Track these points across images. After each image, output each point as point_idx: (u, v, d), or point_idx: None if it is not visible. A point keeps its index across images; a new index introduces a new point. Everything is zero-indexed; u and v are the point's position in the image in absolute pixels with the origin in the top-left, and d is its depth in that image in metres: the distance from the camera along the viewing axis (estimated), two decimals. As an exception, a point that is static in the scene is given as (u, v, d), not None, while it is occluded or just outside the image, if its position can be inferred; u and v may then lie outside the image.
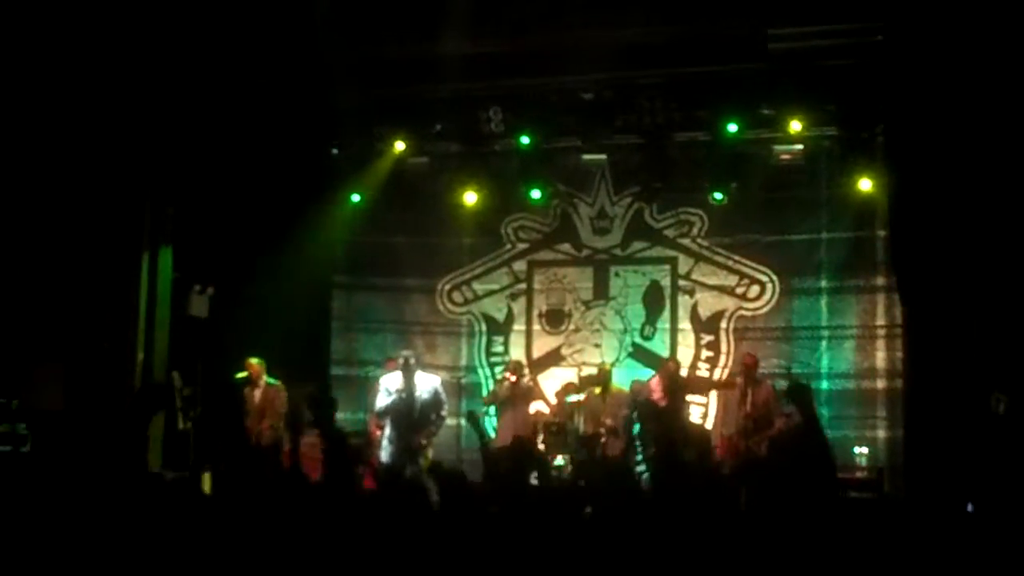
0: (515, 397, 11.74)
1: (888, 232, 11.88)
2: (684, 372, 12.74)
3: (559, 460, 11.45)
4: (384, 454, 10.97)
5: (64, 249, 10.86)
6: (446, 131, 12.56)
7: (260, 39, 10.89)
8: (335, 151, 12.67)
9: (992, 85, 9.69)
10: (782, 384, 11.63)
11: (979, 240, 9.95)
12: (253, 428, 11.27)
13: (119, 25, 10.27)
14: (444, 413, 11.16)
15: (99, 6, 10.09)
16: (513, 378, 11.77)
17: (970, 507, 8.31)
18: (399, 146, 12.39)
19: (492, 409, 12.36)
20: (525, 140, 12.24)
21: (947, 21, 9.85)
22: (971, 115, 9.83)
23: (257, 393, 11.41)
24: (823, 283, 12.54)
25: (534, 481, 9.43)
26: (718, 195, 12.30)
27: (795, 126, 11.60)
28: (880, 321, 12.29)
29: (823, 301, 12.52)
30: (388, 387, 10.97)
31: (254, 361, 11.46)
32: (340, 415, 12.45)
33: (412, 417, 10.87)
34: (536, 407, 12.50)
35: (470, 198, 12.87)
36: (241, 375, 11.41)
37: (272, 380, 11.47)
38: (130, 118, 10.93)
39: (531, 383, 12.08)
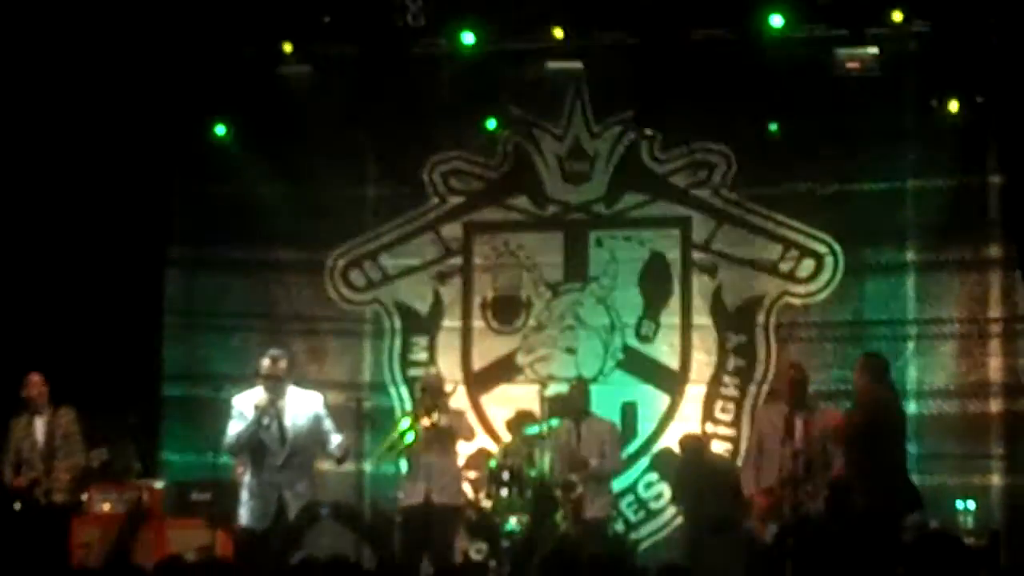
0: (431, 440, 9.80)
1: (1005, 178, 10.45)
2: (702, 390, 11.06)
3: (511, 523, 9.81)
4: (244, 512, 9.00)
5: None
6: (338, 26, 10.62)
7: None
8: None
9: None
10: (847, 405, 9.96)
11: None
12: (38, 478, 9.77)
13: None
14: (334, 450, 9.34)
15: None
16: (428, 416, 9.87)
17: None
18: (286, 48, 10.63)
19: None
20: (468, 39, 10.44)
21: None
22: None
23: (40, 424, 10.00)
24: (910, 256, 10.84)
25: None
26: (773, 126, 10.60)
27: (868, 19, 10.05)
28: (994, 312, 10.66)
29: (910, 283, 10.82)
30: (243, 408, 9.15)
31: (36, 379, 10.04)
32: (178, 458, 11.34)
33: (280, 453, 9.09)
34: (478, 444, 10.69)
35: (375, 127, 11.02)
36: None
37: (62, 406, 10.18)
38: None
39: (455, 416, 9.99)
